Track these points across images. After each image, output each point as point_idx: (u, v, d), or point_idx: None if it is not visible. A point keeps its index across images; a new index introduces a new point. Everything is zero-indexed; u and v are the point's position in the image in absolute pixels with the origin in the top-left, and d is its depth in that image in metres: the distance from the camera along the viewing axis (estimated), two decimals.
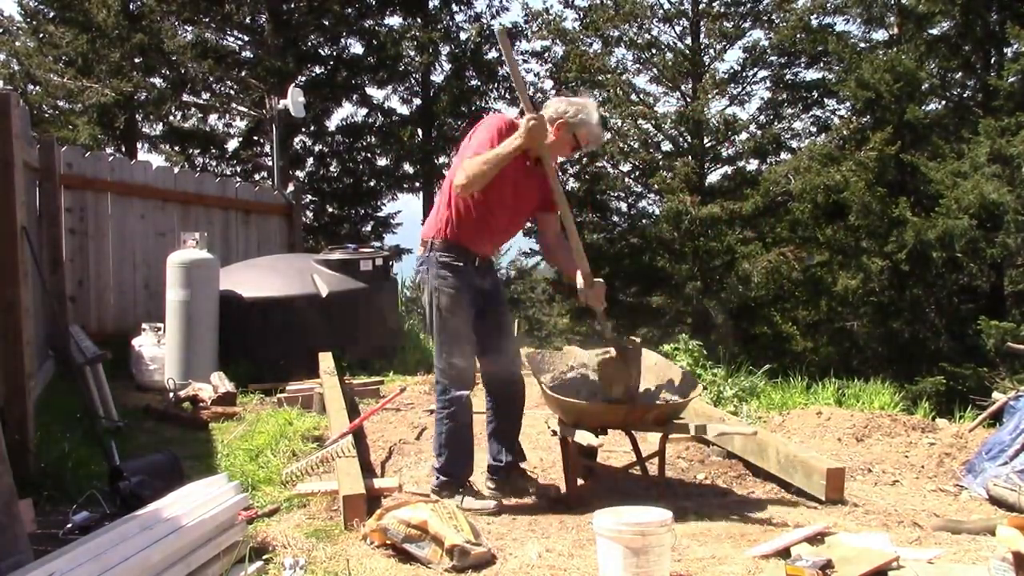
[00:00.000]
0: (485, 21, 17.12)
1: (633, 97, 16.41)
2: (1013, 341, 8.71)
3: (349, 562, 2.94)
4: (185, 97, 15.40)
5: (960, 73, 15.20)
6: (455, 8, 17.11)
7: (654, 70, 16.75)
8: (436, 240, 3.64)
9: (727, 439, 4.34)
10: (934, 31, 14.78)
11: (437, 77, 17.15)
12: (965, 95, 15.30)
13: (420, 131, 17.02)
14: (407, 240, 18.61)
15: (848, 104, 15.37)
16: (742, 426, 4.43)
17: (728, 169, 16.93)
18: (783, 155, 16.61)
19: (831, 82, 15.45)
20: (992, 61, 14.21)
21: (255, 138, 16.79)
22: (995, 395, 5.23)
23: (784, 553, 2.97)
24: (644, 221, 16.50)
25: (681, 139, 16.53)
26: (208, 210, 8.46)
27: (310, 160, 17.31)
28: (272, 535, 3.19)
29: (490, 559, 2.99)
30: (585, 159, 17.73)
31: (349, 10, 15.58)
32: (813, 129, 17.21)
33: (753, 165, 16.83)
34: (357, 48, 16.48)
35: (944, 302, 13.97)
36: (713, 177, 16.80)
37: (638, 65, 17.03)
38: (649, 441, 4.34)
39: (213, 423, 5.29)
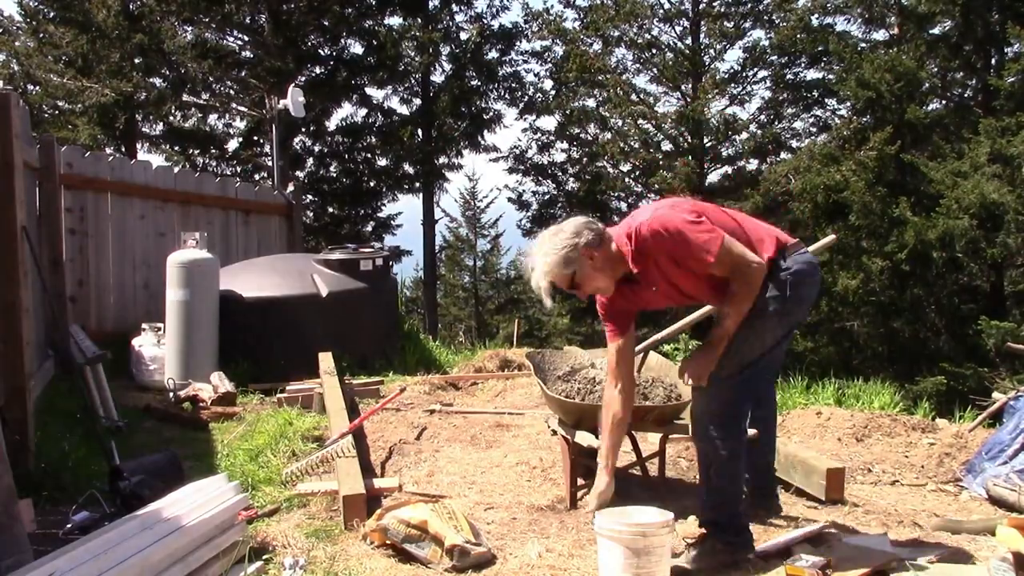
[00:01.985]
0: (485, 21, 17.15)
1: (633, 97, 16.44)
2: (1013, 341, 8.71)
3: (349, 562, 2.94)
4: (185, 97, 15.41)
5: (960, 73, 15.22)
6: (455, 8, 17.14)
7: (654, 70, 16.78)
8: None
9: None
10: (934, 31, 14.79)
11: (437, 77, 17.20)
12: (965, 95, 15.31)
13: (420, 131, 17.03)
14: (407, 240, 18.66)
15: (848, 104, 15.39)
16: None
17: (728, 169, 16.98)
18: (783, 155, 16.64)
19: (831, 82, 15.47)
20: (992, 61, 14.22)
21: (255, 138, 16.81)
22: (995, 395, 5.23)
23: (784, 553, 2.97)
24: None
25: (681, 139, 16.55)
26: (208, 210, 8.46)
27: (310, 160, 17.34)
28: (272, 535, 3.19)
29: (490, 559, 2.99)
30: (585, 159, 17.76)
31: (349, 10, 15.59)
32: (813, 129, 17.27)
33: (753, 165, 16.87)
34: (357, 48, 16.52)
35: (944, 302, 13.97)
36: (713, 177, 16.83)
37: (638, 65, 17.07)
38: (649, 441, 4.34)
39: (213, 423, 5.29)
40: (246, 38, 15.49)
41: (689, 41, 16.59)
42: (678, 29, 16.72)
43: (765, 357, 3.03)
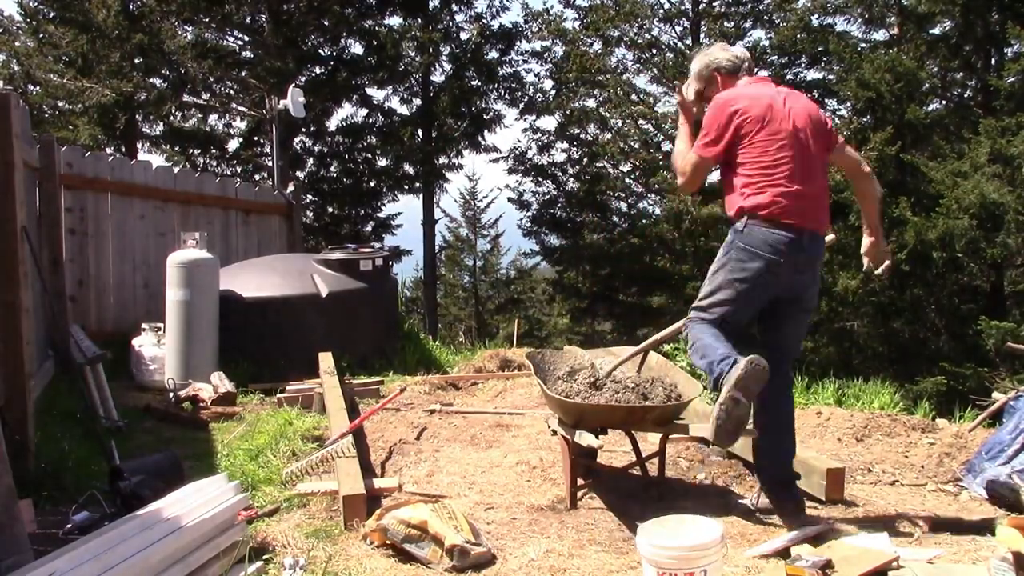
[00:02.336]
0: (485, 21, 17.15)
1: (633, 97, 16.43)
2: (1013, 341, 8.71)
3: (349, 562, 2.94)
4: (185, 97, 15.41)
5: (960, 73, 15.21)
6: (455, 8, 17.13)
7: (654, 70, 16.76)
8: None
9: None
10: (934, 31, 14.80)
11: (437, 77, 17.19)
12: (965, 95, 15.31)
13: (420, 131, 17.03)
14: (407, 240, 18.66)
15: (848, 104, 15.38)
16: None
17: None
18: None
19: (831, 82, 15.46)
20: (992, 61, 14.22)
21: (255, 138, 16.81)
22: (995, 395, 5.23)
23: (784, 553, 2.97)
24: (644, 221, 16.52)
25: None
26: (208, 210, 8.47)
27: (310, 160, 17.33)
28: (272, 535, 3.19)
29: (490, 559, 2.99)
30: (585, 159, 17.75)
31: (349, 10, 15.59)
32: None
33: None
34: (357, 48, 16.52)
35: (944, 302, 13.97)
36: (714, 177, 16.78)
37: (638, 65, 17.05)
38: (649, 441, 4.34)
39: (213, 423, 5.29)
40: (246, 38, 15.48)
41: (689, 41, 16.57)
42: (678, 29, 16.71)
43: (718, 309, 3.33)
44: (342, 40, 16.27)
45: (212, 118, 16.81)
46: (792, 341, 3.51)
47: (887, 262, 3.58)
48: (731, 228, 3.35)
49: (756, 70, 3.64)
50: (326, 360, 5.96)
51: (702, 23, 16.42)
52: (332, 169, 17.45)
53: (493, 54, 17.24)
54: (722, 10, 16.40)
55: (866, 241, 3.56)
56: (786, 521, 3.32)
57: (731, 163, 3.36)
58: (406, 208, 18.25)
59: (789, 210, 3.24)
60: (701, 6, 16.31)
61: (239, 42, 15.60)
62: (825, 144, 3.42)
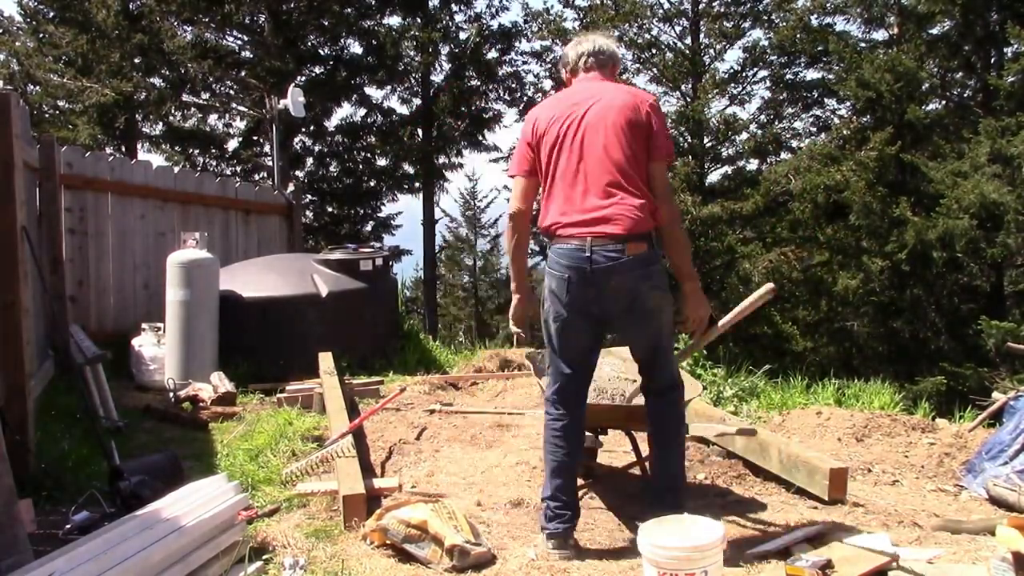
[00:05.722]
0: (485, 21, 17.15)
1: None
2: (1013, 341, 8.71)
3: (349, 562, 2.94)
4: (185, 97, 15.43)
5: (960, 73, 15.22)
6: (455, 8, 17.14)
7: (654, 70, 16.76)
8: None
9: (728, 439, 4.34)
10: (934, 31, 14.80)
11: (437, 77, 17.19)
12: (965, 95, 15.31)
13: (420, 131, 17.03)
14: (407, 240, 18.67)
15: (848, 104, 15.39)
16: (743, 426, 4.42)
17: (728, 169, 16.96)
18: (783, 155, 16.63)
19: (831, 82, 15.47)
20: (992, 61, 14.22)
21: (255, 138, 16.82)
22: (995, 395, 5.23)
23: (784, 553, 2.97)
24: None
25: (681, 139, 16.54)
26: (208, 210, 8.46)
27: (310, 160, 17.34)
28: (272, 535, 3.19)
29: (490, 559, 2.98)
30: None
31: (349, 10, 15.60)
32: (813, 129, 17.26)
33: (753, 165, 16.86)
34: (357, 48, 16.53)
35: (944, 302, 13.98)
36: (713, 177, 16.83)
37: (638, 65, 17.05)
38: None
39: (213, 423, 5.29)
40: (246, 38, 15.49)
41: (689, 41, 16.57)
42: (678, 29, 16.70)
43: (553, 343, 3.21)
44: (342, 40, 16.28)
45: (212, 118, 16.84)
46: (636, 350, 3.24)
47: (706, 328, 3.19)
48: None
49: (611, 65, 3.26)
50: (326, 360, 5.96)
51: (702, 23, 16.42)
52: (332, 169, 17.48)
53: (492, 54, 17.25)
54: (721, 10, 16.39)
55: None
56: None
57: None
58: (406, 208, 18.33)
59: (570, 225, 3.09)
60: (701, 6, 16.31)
61: (239, 42, 15.62)
62: (635, 149, 3.04)
